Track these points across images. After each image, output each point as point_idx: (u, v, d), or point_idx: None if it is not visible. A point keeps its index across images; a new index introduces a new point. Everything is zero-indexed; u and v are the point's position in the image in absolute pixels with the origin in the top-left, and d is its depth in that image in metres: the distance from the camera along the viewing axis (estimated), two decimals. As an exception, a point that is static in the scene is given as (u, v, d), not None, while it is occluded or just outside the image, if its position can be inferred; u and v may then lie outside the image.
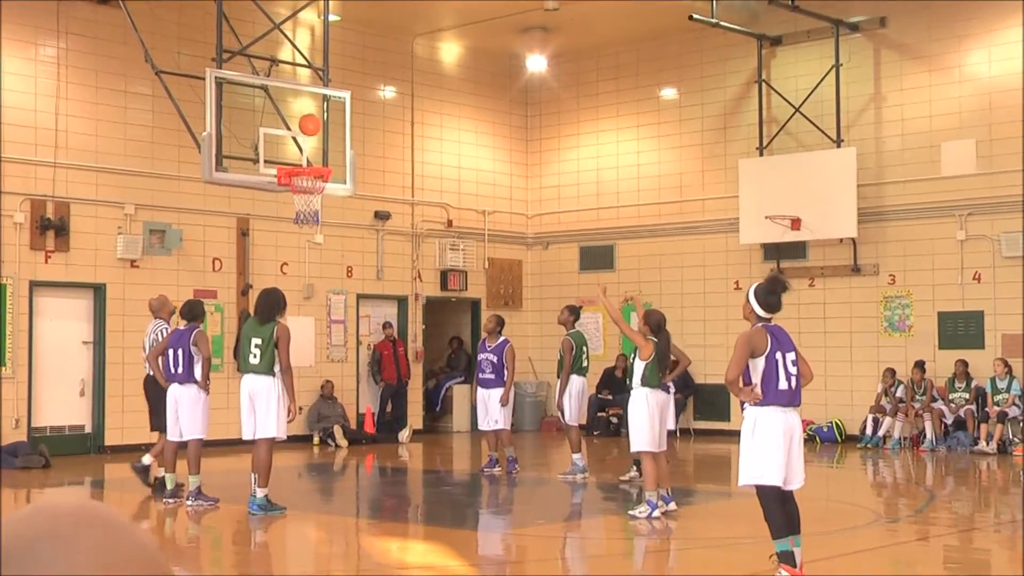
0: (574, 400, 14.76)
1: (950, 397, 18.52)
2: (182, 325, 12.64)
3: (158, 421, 13.03)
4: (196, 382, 12.32)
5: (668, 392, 12.48)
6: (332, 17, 17.26)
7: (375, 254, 21.13)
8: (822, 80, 19.89)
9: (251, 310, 14.08)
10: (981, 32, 18.82)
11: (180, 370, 12.34)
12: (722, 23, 19.31)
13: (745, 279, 20.11)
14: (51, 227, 17.17)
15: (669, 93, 22.14)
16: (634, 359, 11.64)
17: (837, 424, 19.52)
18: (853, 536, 10.67)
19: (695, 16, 18.89)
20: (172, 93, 15.20)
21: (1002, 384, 18.04)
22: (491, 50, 22.66)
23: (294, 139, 15.59)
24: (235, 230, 19.21)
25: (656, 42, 21.91)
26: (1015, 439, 17.84)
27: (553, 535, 11.35)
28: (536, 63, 22.42)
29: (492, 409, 15.03)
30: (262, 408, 11.60)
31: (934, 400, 18.54)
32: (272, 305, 11.80)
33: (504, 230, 23.23)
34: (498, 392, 14.99)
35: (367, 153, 19.94)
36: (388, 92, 21.60)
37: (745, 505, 8.32)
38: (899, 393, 18.67)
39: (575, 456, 14.80)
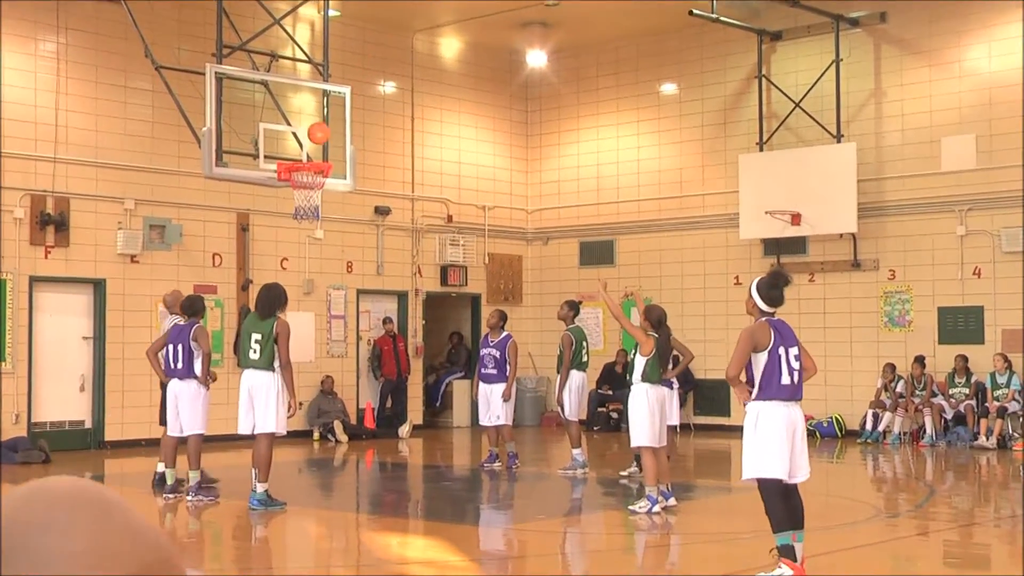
0: (574, 395, 14.76)
1: (950, 392, 18.52)
2: (182, 321, 12.64)
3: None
4: (196, 378, 12.33)
5: (671, 388, 12.50)
6: (332, 12, 17.25)
7: (375, 249, 21.14)
8: (822, 75, 19.88)
9: (251, 305, 14.09)
10: (981, 27, 18.82)
11: (180, 366, 12.34)
12: (722, 18, 19.31)
13: (745, 274, 20.12)
14: (51, 222, 17.17)
15: (669, 88, 22.14)
16: (635, 355, 11.64)
17: (837, 419, 19.53)
18: (853, 531, 10.67)
19: (695, 11, 18.88)
20: (172, 88, 15.19)
21: (1002, 379, 18.05)
22: (491, 45, 22.65)
23: (294, 134, 15.60)
24: (235, 225, 19.21)
25: (656, 37, 21.91)
26: (1015, 434, 17.85)
27: (553, 530, 11.36)
28: (536, 58, 22.41)
29: (494, 404, 15.02)
30: (261, 403, 11.60)
31: (934, 395, 18.55)
32: (273, 300, 11.80)
33: (504, 225, 23.23)
34: (500, 387, 14.98)
35: (367, 148, 19.94)
36: (388, 87, 21.59)
37: (745, 500, 8.32)
38: (899, 388, 18.68)
39: (575, 451, 14.80)
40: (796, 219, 19.51)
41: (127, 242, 17.81)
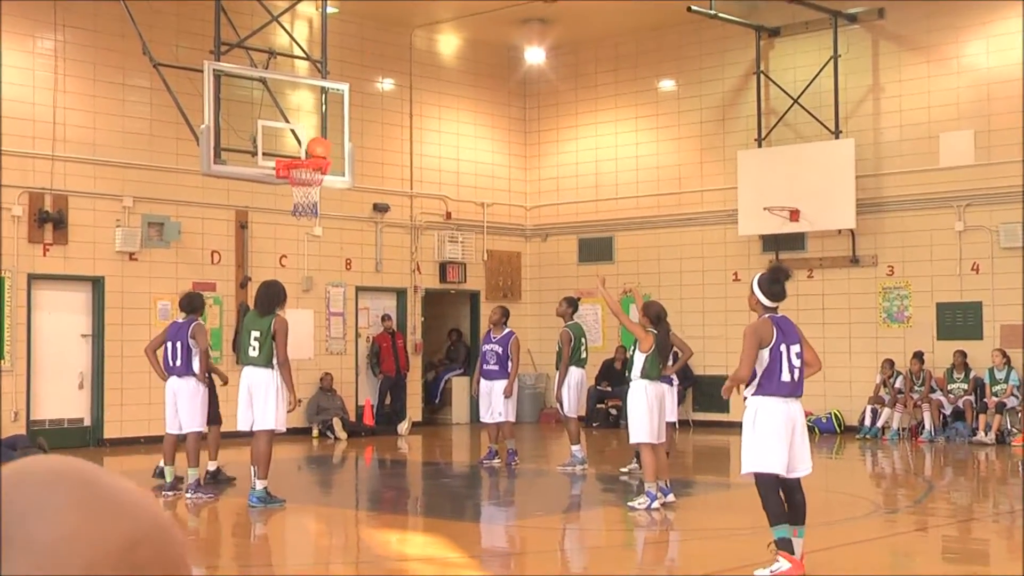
0: (573, 392, 14.76)
1: (948, 388, 18.53)
2: (180, 318, 12.64)
3: (211, 412, 12.95)
4: (195, 375, 12.33)
5: (670, 384, 12.49)
6: (330, 9, 17.24)
7: (374, 246, 21.13)
8: (820, 71, 19.88)
9: (250, 303, 14.09)
10: (979, 23, 18.82)
11: (179, 363, 12.34)
12: (720, 14, 19.31)
13: (744, 270, 20.14)
14: (49, 220, 17.16)
15: (668, 85, 22.13)
16: (634, 351, 11.64)
17: (836, 415, 19.54)
18: (852, 527, 10.68)
19: (693, 8, 18.87)
20: (170, 86, 15.19)
21: (1000, 375, 18.06)
22: (489, 42, 22.64)
23: (292, 131, 15.59)
24: (234, 223, 19.20)
25: (654, 33, 21.90)
26: (1013, 429, 17.87)
27: (552, 527, 11.37)
28: (535, 55, 22.40)
29: (496, 401, 15.00)
30: (260, 400, 11.60)
31: (933, 391, 18.56)
32: (272, 297, 11.79)
33: (503, 222, 23.23)
34: (501, 384, 14.96)
35: (365, 145, 19.93)
36: (386, 84, 21.58)
37: (744, 496, 8.33)
38: (898, 384, 18.69)
39: (574, 448, 14.80)
40: (795, 215, 19.51)
41: (126, 240, 17.80)
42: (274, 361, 11.57)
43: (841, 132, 19.66)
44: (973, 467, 16.28)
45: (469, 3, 20.33)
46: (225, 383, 13.55)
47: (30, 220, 17.06)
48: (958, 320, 18.88)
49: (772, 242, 20.39)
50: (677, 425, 14.77)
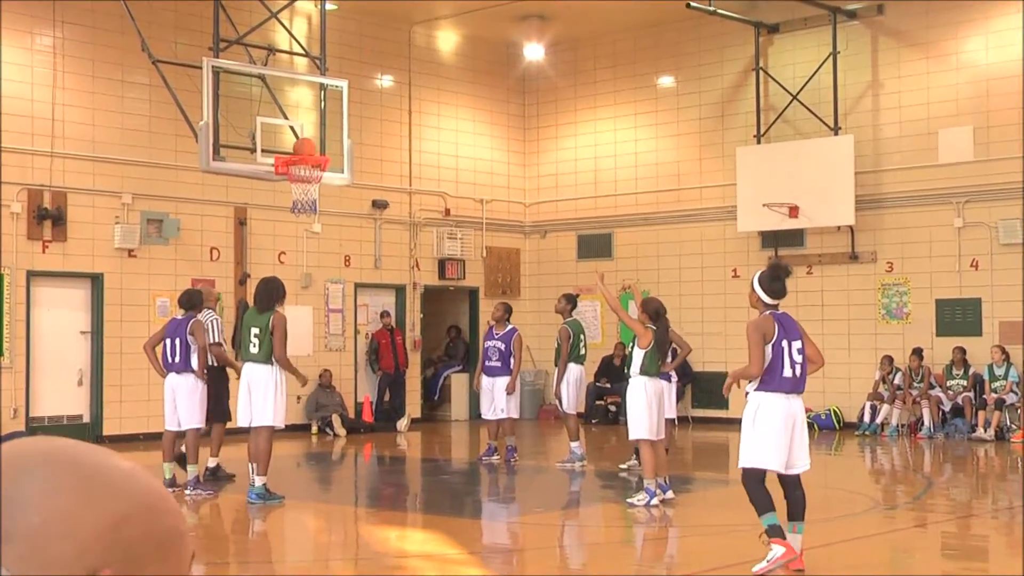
0: (572, 388, 14.75)
1: (948, 384, 18.54)
2: (179, 315, 12.64)
3: (217, 409, 12.96)
4: (193, 371, 12.33)
5: (669, 381, 12.49)
6: (329, 6, 17.23)
7: (373, 243, 21.13)
8: (819, 68, 19.88)
9: (249, 299, 14.08)
10: (978, 19, 18.81)
11: (177, 359, 12.34)
12: (719, 11, 19.29)
13: (743, 267, 20.14)
14: (48, 217, 17.15)
15: (666, 81, 22.12)
16: (633, 347, 11.64)
17: (835, 411, 19.54)
18: (851, 523, 10.69)
19: (692, 4, 18.87)
20: (169, 82, 15.18)
21: (999, 371, 18.06)
22: (488, 38, 22.63)
23: (291, 128, 15.58)
24: (233, 219, 19.20)
25: (653, 30, 21.89)
26: (1013, 426, 17.87)
27: (551, 523, 11.37)
28: (533, 51, 22.39)
29: (497, 398, 14.97)
30: (260, 397, 11.59)
31: (932, 387, 18.56)
32: (271, 294, 11.79)
33: (502, 218, 23.23)
34: (503, 380, 14.94)
35: (364, 142, 19.92)
36: (385, 81, 21.57)
37: (743, 493, 8.33)
38: (897, 380, 18.69)
39: (573, 444, 14.80)
40: (794, 212, 19.50)
41: (124, 236, 17.80)
42: (273, 357, 11.57)
43: (840, 128, 19.65)
44: (972, 463, 16.29)
45: (468, 0, 20.32)
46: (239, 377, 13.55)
47: (29, 217, 17.05)
48: (957, 316, 18.88)
49: (771, 238, 20.39)
50: (676, 421, 14.77)
